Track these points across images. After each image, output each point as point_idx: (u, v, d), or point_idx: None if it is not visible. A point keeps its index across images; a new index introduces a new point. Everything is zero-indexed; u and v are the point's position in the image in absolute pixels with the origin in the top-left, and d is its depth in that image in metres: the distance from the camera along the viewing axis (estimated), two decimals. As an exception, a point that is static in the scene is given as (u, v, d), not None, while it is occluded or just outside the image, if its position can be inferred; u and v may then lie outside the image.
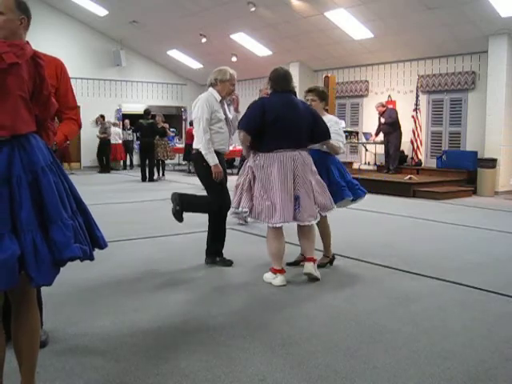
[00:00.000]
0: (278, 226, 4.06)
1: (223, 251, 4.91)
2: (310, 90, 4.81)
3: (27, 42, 2.19)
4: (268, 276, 4.26)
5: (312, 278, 4.28)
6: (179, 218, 4.72)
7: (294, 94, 4.38)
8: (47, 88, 2.22)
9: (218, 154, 4.65)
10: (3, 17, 2.22)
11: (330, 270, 4.71)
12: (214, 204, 4.69)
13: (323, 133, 4.38)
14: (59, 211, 2.06)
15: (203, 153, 4.54)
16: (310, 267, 4.25)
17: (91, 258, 2.18)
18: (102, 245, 2.28)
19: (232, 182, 4.55)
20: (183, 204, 4.69)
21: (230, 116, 4.81)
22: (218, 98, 4.65)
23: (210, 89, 4.70)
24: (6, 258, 1.90)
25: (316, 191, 4.22)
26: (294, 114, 4.17)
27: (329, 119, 4.65)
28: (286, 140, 4.11)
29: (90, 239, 2.21)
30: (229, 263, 4.82)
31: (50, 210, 2.04)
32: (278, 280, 4.17)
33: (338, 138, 4.61)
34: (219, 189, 4.67)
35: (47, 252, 2.00)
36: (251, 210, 4.15)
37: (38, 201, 2.04)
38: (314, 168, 4.30)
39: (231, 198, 4.46)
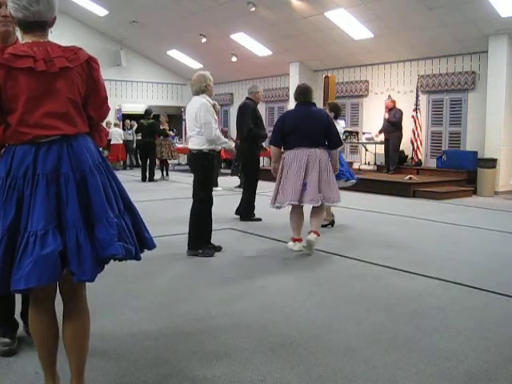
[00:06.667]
0: (292, 203, 5.12)
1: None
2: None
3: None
4: (290, 244, 5.28)
5: (309, 247, 5.12)
6: (210, 253, 5.06)
7: (314, 104, 5.47)
8: (104, 91, 2.30)
9: (214, 151, 5.13)
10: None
11: (330, 269, 4.71)
12: (206, 201, 5.12)
13: (333, 142, 5.38)
14: (105, 210, 2.09)
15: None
16: (313, 237, 5.10)
17: (137, 258, 2.22)
18: (150, 246, 2.32)
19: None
20: (197, 245, 5.07)
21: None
22: (212, 102, 5.17)
23: (203, 95, 5.10)
24: (48, 253, 1.95)
25: (324, 182, 5.12)
26: (311, 122, 5.23)
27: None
28: (303, 140, 5.19)
29: (139, 240, 2.24)
30: (218, 249, 5.20)
31: (96, 209, 2.08)
32: (297, 246, 5.22)
33: None
34: (210, 184, 5.19)
35: (90, 249, 2.04)
36: (276, 199, 5.27)
37: (84, 199, 2.08)
38: (329, 165, 5.23)
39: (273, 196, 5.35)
